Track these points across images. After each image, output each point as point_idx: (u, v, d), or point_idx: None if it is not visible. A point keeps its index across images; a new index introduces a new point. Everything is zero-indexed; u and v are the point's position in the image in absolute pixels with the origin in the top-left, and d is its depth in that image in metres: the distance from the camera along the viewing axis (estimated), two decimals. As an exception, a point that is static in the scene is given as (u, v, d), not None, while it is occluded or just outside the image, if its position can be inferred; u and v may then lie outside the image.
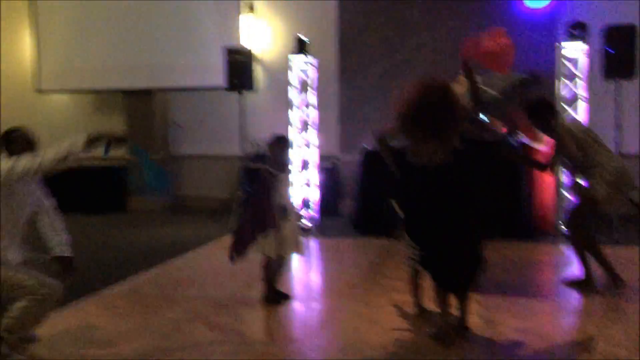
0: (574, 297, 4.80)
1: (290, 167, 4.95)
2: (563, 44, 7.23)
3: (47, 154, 3.25)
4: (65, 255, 3.72)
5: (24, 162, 3.27)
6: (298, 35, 7.99)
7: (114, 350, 3.74)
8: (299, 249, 4.71)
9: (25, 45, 10.38)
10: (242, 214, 4.51)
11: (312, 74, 8.01)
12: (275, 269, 4.64)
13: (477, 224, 3.82)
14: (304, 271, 5.70)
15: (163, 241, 7.23)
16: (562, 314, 4.47)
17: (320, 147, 8.15)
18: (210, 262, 6.16)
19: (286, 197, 4.68)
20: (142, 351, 3.71)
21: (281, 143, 4.68)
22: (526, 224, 7.05)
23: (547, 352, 3.67)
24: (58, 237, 3.73)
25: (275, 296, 4.64)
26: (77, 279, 4.98)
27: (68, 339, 3.94)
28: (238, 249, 4.50)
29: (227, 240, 7.04)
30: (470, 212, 3.78)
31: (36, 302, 3.40)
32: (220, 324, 4.21)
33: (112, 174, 9.79)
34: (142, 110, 9.83)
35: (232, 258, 4.52)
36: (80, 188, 9.11)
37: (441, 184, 3.75)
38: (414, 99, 3.76)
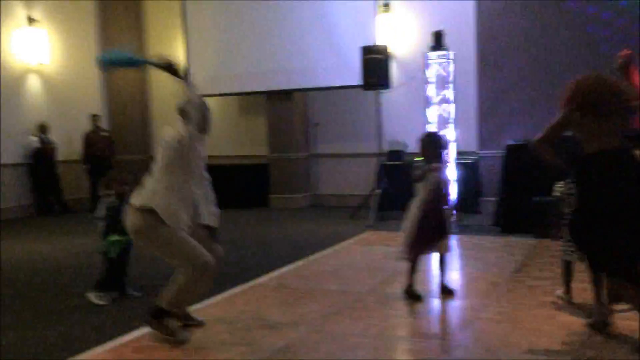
0: None
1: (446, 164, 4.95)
2: None
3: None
4: (213, 225, 4.02)
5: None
6: (436, 30, 7.89)
7: (276, 336, 3.93)
8: (447, 247, 4.73)
9: (177, 54, 11.23)
10: (417, 215, 4.56)
11: (450, 69, 7.89)
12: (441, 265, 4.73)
13: None
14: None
15: (304, 237, 7.49)
16: None
17: (458, 142, 8.02)
18: (350, 258, 6.29)
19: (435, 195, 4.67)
20: (297, 341, 3.87)
21: (434, 140, 4.67)
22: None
23: None
24: (209, 208, 4.01)
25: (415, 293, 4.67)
26: (230, 269, 5.38)
27: (228, 324, 4.21)
28: (415, 250, 4.58)
29: (366, 236, 7.26)
30: None
31: (193, 274, 3.71)
32: (362, 317, 4.29)
33: (256, 172, 10.33)
34: (282, 111, 10.25)
35: (407, 257, 4.60)
36: (227, 185, 9.68)
37: (623, 166, 3.59)
38: (587, 85, 3.74)
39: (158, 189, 3.74)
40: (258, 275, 5.49)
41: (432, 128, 7.71)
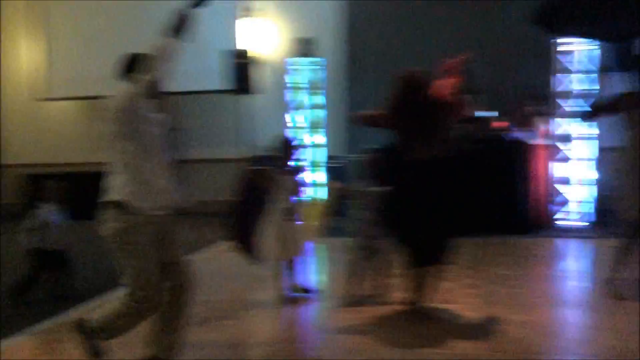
0: (567, 291, 4.87)
1: (301, 167, 5.03)
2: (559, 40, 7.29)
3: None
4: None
5: None
6: (302, 37, 7.99)
7: (130, 350, 3.76)
8: (298, 251, 4.78)
9: (27, 55, 10.48)
10: (239, 217, 4.59)
11: (319, 75, 8.04)
12: (284, 270, 4.76)
13: (453, 217, 4.14)
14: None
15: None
16: (560, 306, 4.51)
17: (329, 147, 8.16)
18: (211, 265, 6.19)
19: (289, 199, 4.74)
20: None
21: (287, 144, 4.71)
22: (524, 219, 7.10)
23: (548, 345, 3.72)
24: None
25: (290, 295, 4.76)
26: (85, 283, 5.09)
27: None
28: (247, 251, 4.68)
29: (227, 243, 7.17)
30: (451, 207, 4.09)
31: (129, 305, 3.18)
32: (221, 326, 4.25)
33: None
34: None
35: (274, 260, 4.68)
36: (80, 194, 9.16)
37: (427, 177, 4.07)
38: (396, 92, 4.12)
39: (123, 179, 3.12)
40: (115, 286, 5.22)
41: (292, 133, 7.84)
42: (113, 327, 3.26)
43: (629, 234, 4.45)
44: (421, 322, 4.13)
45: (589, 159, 7.28)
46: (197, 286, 5.20)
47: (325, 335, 4.11)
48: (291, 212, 4.67)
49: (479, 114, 6.82)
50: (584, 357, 3.56)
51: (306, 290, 4.85)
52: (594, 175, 7.18)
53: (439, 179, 4.11)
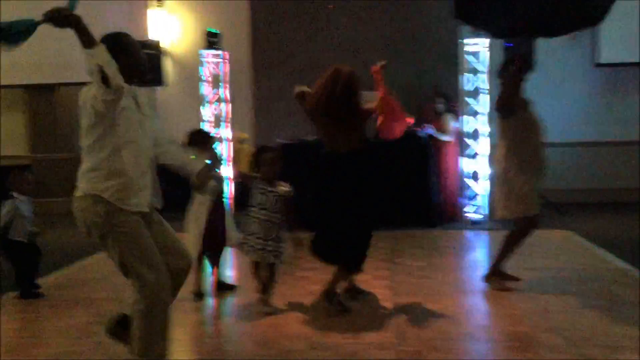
0: (472, 280, 5.08)
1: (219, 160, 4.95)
2: (466, 40, 7.56)
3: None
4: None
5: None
6: (208, 29, 7.91)
7: (21, 357, 3.59)
8: (222, 245, 4.73)
9: None
10: (204, 215, 4.53)
11: (225, 69, 7.97)
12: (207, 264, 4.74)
13: (372, 211, 4.25)
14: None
15: (71, 243, 6.96)
16: (465, 295, 4.70)
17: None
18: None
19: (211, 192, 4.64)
20: (61, 354, 3.59)
21: (204, 138, 4.63)
22: (434, 213, 7.33)
23: (453, 331, 3.85)
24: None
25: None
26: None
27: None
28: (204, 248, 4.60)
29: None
30: (368, 200, 4.21)
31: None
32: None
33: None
34: (44, 107, 9.41)
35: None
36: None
37: (346, 170, 4.16)
38: (322, 86, 4.17)
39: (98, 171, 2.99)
40: (12, 289, 4.96)
41: (206, 126, 7.72)
42: (151, 341, 3.04)
43: (516, 228, 4.63)
44: (334, 313, 4.17)
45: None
46: (104, 284, 5.06)
47: (235, 328, 4.09)
48: (215, 205, 4.59)
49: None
50: (486, 342, 3.72)
51: (228, 287, 4.80)
52: (489, 170, 7.44)
53: (356, 172, 4.22)
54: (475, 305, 4.51)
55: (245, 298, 4.60)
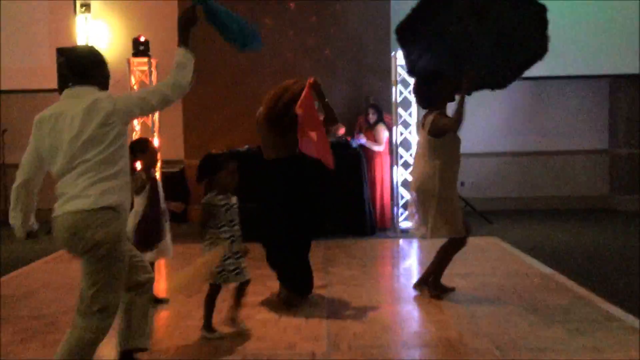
0: (404, 288, 5.17)
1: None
2: (398, 53, 7.72)
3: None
4: None
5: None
6: (136, 37, 7.76)
7: None
8: (169, 253, 4.67)
9: None
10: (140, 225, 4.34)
11: (153, 76, 7.82)
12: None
13: (306, 219, 4.48)
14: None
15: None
16: (398, 303, 4.77)
17: (163, 151, 7.97)
18: (45, 277, 5.76)
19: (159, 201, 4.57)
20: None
21: (147, 148, 4.50)
22: (367, 221, 7.42)
23: (386, 338, 3.90)
24: None
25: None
26: None
27: None
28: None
29: (64, 253, 6.70)
30: (302, 207, 4.43)
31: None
32: (57, 340, 3.95)
33: None
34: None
35: None
36: None
37: (282, 176, 4.37)
38: (269, 99, 4.51)
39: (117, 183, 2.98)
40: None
41: (138, 135, 7.54)
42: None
43: (450, 243, 4.69)
44: (263, 326, 4.14)
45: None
46: (28, 300, 4.84)
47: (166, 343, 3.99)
48: (163, 214, 4.50)
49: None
50: (417, 348, 3.79)
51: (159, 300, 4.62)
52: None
53: (289, 180, 4.39)
54: (407, 312, 4.59)
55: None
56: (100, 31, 9.03)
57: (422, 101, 4.72)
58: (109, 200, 2.91)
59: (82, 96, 3.00)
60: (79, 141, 2.91)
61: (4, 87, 8.78)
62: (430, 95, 4.61)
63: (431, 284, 4.75)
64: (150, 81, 7.80)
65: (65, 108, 3.00)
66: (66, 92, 3.10)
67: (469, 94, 4.54)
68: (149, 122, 7.88)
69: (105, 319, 3.00)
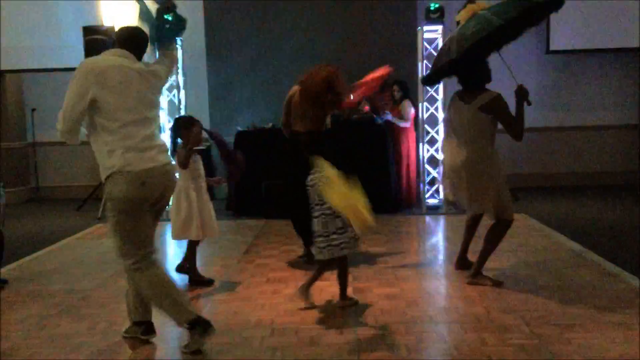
0: (431, 264, 5.17)
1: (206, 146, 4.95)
2: (425, 27, 7.61)
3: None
4: None
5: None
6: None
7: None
8: (215, 231, 4.71)
9: None
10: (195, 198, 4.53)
11: (179, 56, 7.83)
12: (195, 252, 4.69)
13: None
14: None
15: (23, 234, 6.79)
16: (424, 279, 4.77)
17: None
18: (77, 253, 5.88)
19: (201, 178, 4.62)
20: (11, 349, 3.50)
21: (189, 123, 4.54)
22: (393, 198, 7.41)
23: (415, 314, 3.91)
24: None
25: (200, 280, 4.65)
26: None
27: None
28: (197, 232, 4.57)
29: (95, 230, 6.85)
30: None
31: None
32: (89, 315, 4.06)
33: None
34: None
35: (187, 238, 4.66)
36: None
37: (316, 145, 4.35)
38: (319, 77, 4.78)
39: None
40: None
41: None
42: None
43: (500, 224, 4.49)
44: (291, 301, 4.18)
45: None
46: (60, 275, 4.96)
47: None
48: (204, 191, 4.57)
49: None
50: (443, 323, 3.79)
51: (204, 281, 4.67)
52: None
53: (321, 150, 4.34)
54: (434, 288, 4.59)
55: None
56: (126, 9, 9.04)
57: (467, 83, 4.48)
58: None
59: (132, 58, 3.29)
60: (147, 99, 3.29)
61: (31, 66, 8.89)
62: (474, 78, 4.44)
63: (477, 269, 4.54)
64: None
65: (122, 62, 3.23)
66: (112, 51, 3.32)
67: (529, 104, 4.44)
68: (175, 100, 7.91)
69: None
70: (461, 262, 4.84)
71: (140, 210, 3.21)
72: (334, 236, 3.90)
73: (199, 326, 3.27)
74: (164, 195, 3.34)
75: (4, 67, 8.80)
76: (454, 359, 3.26)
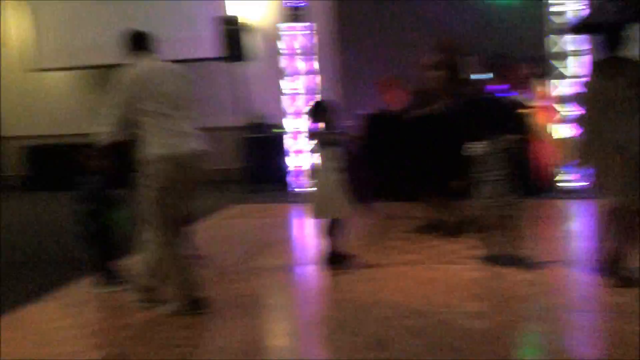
0: (570, 250, 4.96)
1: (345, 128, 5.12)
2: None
3: None
4: None
5: None
6: (291, 2, 7.94)
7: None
8: (352, 212, 4.77)
9: (14, 27, 10.38)
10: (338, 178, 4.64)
11: (310, 40, 8.02)
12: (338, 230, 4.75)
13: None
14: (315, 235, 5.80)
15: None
16: (566, 264, 4.59)
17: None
18: (214, 233, 6.18)
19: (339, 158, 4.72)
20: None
21: (325, 107, 4.72)
22: (527, 181, 7.09)
23: (554, 302, 3.81)
24: None
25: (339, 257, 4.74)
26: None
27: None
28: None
29: (230, 211, 7.22)
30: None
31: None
32: (231, 288, 4.33)
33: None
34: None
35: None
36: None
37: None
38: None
39: None
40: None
41: (289, 100, 7.84)
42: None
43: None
44: (425, 283, 4.21)
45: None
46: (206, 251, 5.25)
47: (330, 295, 4.21)
48: (342, 172, 4.64)
49: (474, 76, 6.81)
50: (584, 312, 3.66)
51: (343, 257, 4.75)
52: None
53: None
54: (573, 275, 4.41)
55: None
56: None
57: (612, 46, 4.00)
58: None
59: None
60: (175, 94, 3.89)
61: (167, 58, 9.47)
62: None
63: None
64: (307, 45, 7.97)
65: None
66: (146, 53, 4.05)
67: None
68: (311, 84, 8.09)
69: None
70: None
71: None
72: (505, 198, 4.40)
73: (193, 304, 3.78)
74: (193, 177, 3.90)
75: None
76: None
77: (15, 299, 4.29)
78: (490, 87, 6.97)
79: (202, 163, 3.87)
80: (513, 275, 4.30)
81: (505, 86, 7.10)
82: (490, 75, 6.99)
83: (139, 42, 4.01)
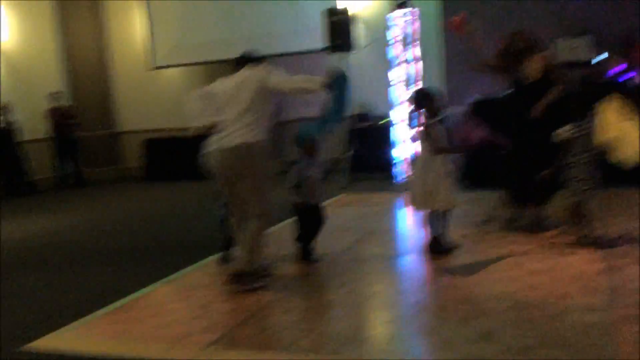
0: None
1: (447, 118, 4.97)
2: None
3: (295, 84, 4.37)
4: None
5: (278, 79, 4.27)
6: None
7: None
8: (455, 203, 4.68)
9: (137, 25, 11.06)
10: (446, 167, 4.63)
11: (414, 27, 7.94)
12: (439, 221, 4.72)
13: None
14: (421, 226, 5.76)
15: (275, 204, 7.48)
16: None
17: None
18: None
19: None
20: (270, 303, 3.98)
21: (428, 95, 4.70)
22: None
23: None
24: None
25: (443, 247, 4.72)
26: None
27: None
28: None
29: (340, 199, 7.32)
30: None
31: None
32: (336, 274, 4.40)
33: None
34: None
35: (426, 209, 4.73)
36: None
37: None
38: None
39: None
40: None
41: (397, 89, 7.80)
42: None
43: None
44: (534, 274, 4.07)
45: None
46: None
47: (438, 284, 4.17)
48: (444, 163, 4.58)
49: (593, 59, 6.45)
50: None
51: (447, 247, 4.74)
52: None
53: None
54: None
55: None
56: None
57: None
58: None
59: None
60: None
61: (279, 50, 9.73)
62: None
63: None
64: (411, 32, 7.90)
65: None
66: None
67: None
68: (412, 72, 8.02)
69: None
70: None
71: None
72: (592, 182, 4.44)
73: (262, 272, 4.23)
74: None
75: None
76: None
77: (141, 281, 4.60)
78: (612, 71, 6.58)
79: (251, 155, 4.04)
80: (629, 268, 4.05)
81: (623, 66, 6.66)
82: (606, 55, 6.59)
83: (240, 62, 4.56)
